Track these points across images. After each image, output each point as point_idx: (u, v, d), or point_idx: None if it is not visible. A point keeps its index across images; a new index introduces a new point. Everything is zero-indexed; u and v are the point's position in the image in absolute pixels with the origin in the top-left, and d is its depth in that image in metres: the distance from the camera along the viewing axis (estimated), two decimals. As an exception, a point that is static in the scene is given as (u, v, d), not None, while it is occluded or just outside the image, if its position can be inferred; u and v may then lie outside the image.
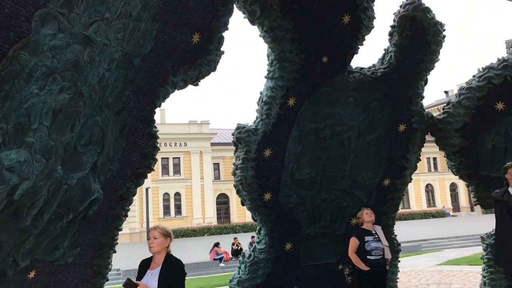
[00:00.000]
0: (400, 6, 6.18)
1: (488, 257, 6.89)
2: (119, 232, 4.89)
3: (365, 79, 6.16)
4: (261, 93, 5.89)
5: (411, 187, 43.14)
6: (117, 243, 4.88)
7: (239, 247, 21.91)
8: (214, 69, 4.91)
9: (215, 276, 17.15)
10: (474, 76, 6.55)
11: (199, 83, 4.94)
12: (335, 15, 5.64)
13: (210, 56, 4.81)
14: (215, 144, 48.42)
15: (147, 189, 40.56)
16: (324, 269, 6.63)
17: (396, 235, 7.18)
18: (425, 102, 6.92)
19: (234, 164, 5.92)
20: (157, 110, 4.88)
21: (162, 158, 42.64)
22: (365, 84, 6.17)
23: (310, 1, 5.48)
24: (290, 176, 6.10)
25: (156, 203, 44.19)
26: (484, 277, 6.94)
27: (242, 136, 5.72)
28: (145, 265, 3.82)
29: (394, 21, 6.19)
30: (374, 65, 6.39)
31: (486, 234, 7.03)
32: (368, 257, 5.62)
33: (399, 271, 7.30)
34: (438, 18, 6.23)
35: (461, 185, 55.19)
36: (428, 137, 6.96)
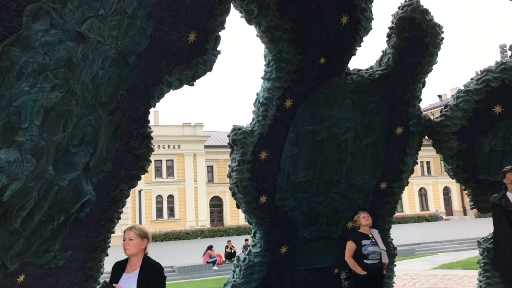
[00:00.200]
0: (399, 8, 6.12)
1: (484, 262, 6.83)
2: (112, 235, 4.78)
3: (362, 81, 6.09)
4: (257, 94, 5.81)
5: (404, 190, 43.17)
6: (109, 246, 4.77)
7: (232, 250, 21.79)
8: (210, 69, 4.82)
9: (209, 279, 17.01)
10: (472, 79, 6.51)
11: (194, 83, 4.85)
12: (333, 16, 5.57)
13: (206, 56, 4.72)
14: (209, 146, 48.32)
15: (140, 191, 40.45)
16: (320, 273, 6.55)
17: (392, 239, 7.11)
18: (419, 106, 6.85)
19: (229, 166, 5.83)
20: (151, 111, 4.78)
21: (155, 160, 42.42)
22: (362, 86, 6.10)
23: (308, 1, 5.41)
24: (286, 179, 6.02)
25: (149, 206, 43.98)
26: (480, 281, 6.89)
27: (238, 137, 5.63)
28: (119, 268, 3.61)
29: (392, 22, 6.13)
30: (371, 67, 6.33)
31: (483, 238, 6.97)
32: (365, 261, 5.55)
33: (394, 275, 7.24)
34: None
35: (454, 189, 55.48)
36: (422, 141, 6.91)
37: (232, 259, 21.32)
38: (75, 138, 3.71)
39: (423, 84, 6.45)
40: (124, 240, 3.55)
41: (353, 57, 5.95)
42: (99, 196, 4.29)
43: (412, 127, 6.52)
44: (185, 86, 4.86)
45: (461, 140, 6.54)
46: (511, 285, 6.06)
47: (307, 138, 6.01)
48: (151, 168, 40.79)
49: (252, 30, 5.60)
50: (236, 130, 5.68)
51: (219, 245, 23.09)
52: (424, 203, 55.02)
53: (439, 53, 6.26)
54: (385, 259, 5.75)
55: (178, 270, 19.21)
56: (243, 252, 20.32)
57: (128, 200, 4.86)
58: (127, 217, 40.31)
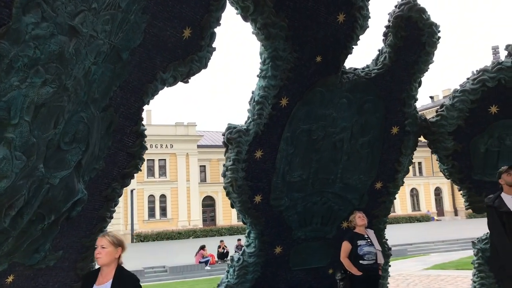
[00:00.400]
0: (395, 6, 6.07)
1: (479, 262, 6.81)
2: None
3: (358, 80, 6.04)
4: (253, 92, 5.73)
5: (397, 191, 43.22)
6: (101, 246, 4.66)
7: (225, 250, 21.72)
8: (205, 66, 4.74)
9: (201, 279, 16.92)
10: (468, 78, 6.48)
11: (189, 80, 4.77)
12: (329, 14, 5.51)
13: (201, 53, 4.65)
14: (202, 146, 48.21)
15: (132, 191, 40.31)
16: (315, 273, 6.49)
17: (387, 239, 7.07)
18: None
19: (224, 165, 5.75)
20: (144, 110, 4.69)
21: (147, 159, 42.24)
22: (358, 85, 6.05)
23: (304, -2, 5.34)
24: (281, 178, 5.94)
25: (141, 205, 43.81)
26: (474, 282, 6.87)
27: (233, 136, 5.55)
28: (90, 279, 3.36)
29: (389, 21, 6.08)
30: (368, 66, 6.27)
31: (477, 239, 6.96)
32: (360, 261, 5.49)
33: (389, 276, 7.20)
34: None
35: (446, 190, 55.84)
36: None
37: (225, 259, 21.26)
38: (66, 135, 3.60)
39: (419, 84, 6.41)
40: (95, 248, 3.33)
41: (349, 56, 5.90)
42: (91, 194, 4.18)
43: (407, 126, 6.48)
44: (179, 84, 4.79)
45: (457, 140, 6.51)
46: (505, 286, 6.03)
47: (302, 137, 5.94)
48: (144, 167, 40.58)
49: (248, 27, 5.53)
50: (231, 128, 5.60)
51: (212, 245, 23.01)
52: (415, 204, 55.30)
53: (435, 52, 6.22)
54: (381, 260, 5.70)
55: (170, 270, 19.11)
56: (235, 252, 20.35)
57: (120, 199, 4.77)
58: (119, 217, 40.17)
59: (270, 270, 6.16)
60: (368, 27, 5.79)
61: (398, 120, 6.42)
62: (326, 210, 6.36)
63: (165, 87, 4.61)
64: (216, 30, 4.71)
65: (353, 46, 5.82)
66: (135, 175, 4.75)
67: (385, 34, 6.18)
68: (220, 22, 4.72)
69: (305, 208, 6.21)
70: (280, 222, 6.10)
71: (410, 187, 54.00)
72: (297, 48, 5.50)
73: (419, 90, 6.46)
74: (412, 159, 6.90)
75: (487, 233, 6.74)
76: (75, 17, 3.18)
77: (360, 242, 5.57)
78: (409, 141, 6.56)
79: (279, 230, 6.13)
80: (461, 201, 54.14)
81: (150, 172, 44.93)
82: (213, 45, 4.74)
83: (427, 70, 6.32)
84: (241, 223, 43.79)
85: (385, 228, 7.02)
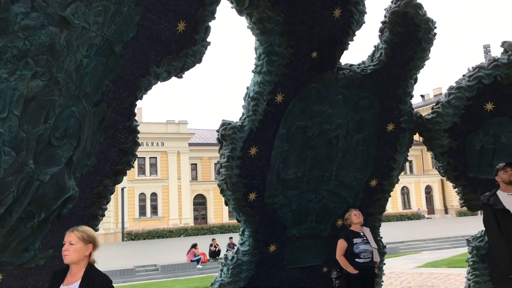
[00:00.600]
0: (392, 2, 6.00)
1: (473, 260, 6.79)
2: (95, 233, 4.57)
3: (354, 76, 5.96)
4: (247, 88, 5.64)
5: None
6: (92, 245, 4.55)
7: (217, 249, 21.64)
8: (199, 61, 4.64)
9: (193, 278, 16.82)
10: (464, 75, 6.43)
11: (183, 75, 4.67)
12: (325, 9, 5.43)
13: (196, 47, 4.54)
14: (193, 144, 48.07)
15: (122, 189, 40.07)
16: (309, 272, 6.42)
17: (382, 237, 7.03)
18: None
19: (218, 162, 5.65)
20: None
21: (138, 157, 41.98)
22: (354, 81, 5.97)
23: (300, -8, 5.25)
24: (276, 176, 5.86)
25: (131, 203, 43.60)
26: (469, 280, 6.85)
27: (227, 133, 5.45)
28: (58, 278, 3.06)
29: (385, 17, 6.01)
30: (363, 62, 6.20)
31: (472, 236, 6.93)
32: (356, 260, 5.43)
33: (383, 274, 7.16)
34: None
35: (436, 188, 56.25)
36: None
37: (217, 257, 21.19)
38: (57, 130, 3.49)
39: (415, 80, 6.36)
40: (63, 244, 3.03)
41: (345, 52, 5.83)
42: (82, 192, 4.07)
43: (403, 124, 6.42)
44: (170, 81, 4.69)
45: (452, 137, 6.46)
46: (500, 285, 6.01)
47: (297, 134, 5.86)
48: (134, 165, 40.32)
49: (242, 21, 5.43)
50: (225, 125, 5.50)
51: (203, 243, 22.93)
52: (406, 202, 55.67)
53: (431, 48, 6.18)
54: (377, 258, 5.66)
55: (162, 268, 19.00)
56: (227, 250, 20.25)
57: (111, 197, 4.65)
58: (110, 215, 39.92)
59: (264, 269, 6.09)
60: (364, 22, 5.72)
61: (394, 117, 6.37)
62: (321, 207, 6.30)
63: (159, 82, 4.51)
64: (210, 24, 4.61)
65: (349, 42, 5.73)
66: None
67: (381, 30, 6.11)
68: (215, 16, 4.62)
69: (300, 206, 6.14)
70: (274, 220, 6.03)
71: (401, 185, 54.31)
72: (293, 43, 5.42)
73: (411, 88, 6.40)
74: (407, 156, 6.86)
75: (482, 231, 6.73)
76: (66, 7, 3.08)
77: (356, 240, 5.51)
78: (405, 138, 6.51)
79: (273, 228, 6.05)
80: (451, 199, 54.69)
81: (141, 170, 44.73)
82: (208, 40, 4.64)
83: (423, 67, 6.26)
84: (232, 221, 43.82)
85: (380, 226, 6.97)
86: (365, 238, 5.59)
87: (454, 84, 6.47)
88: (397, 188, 53.12)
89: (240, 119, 5.64)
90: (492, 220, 4.93)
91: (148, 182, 44.75)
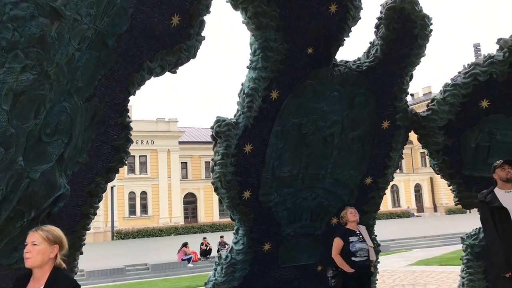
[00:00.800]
0: (388, -2, 5.95)
1: (467, 258, 6.76)
2: (87, 232, 4.45)
3: (350, 72, 5.89)
4: (242, 84, 5.54)
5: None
6: (84, 244, 4.43)
7: (208, 247, 21.52)
8: (194, 56, 4.54)
9: (184, 277, 16.70)
10: (459, 72, 6.39)
11: (177, 70, 4.56)
12: (321, 4, 5.35)
13: (190, 41, 4.43)
14: (183, 142, 47.82)
15: (112, 188, 39.72)
16: (303, 270, 6.36)
17: (376, 235, 6.98)
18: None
19: (212, 160, 5.55)
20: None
21: (128, 156, 41.71)
22: (349, 78, 5.91)
23: (296, -13, 5.17)
24: (271, 173, 5.78)
25: (121, 202, 43.28)
26: (462, 278, 6.82)
27: (222, 129, 5.35)
28: (21, 283, 2.79)
29: (381, 12, 5.95)
30: (359, 59, 6.14)
31: (466, 234, 6.90)
32: (352, 258, 5.37)
33: (378, 272, 7.12)
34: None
35: (425, 186, 56.60)
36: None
37: (208, 256, 21.08)
38: (48, 126, 3.36)
39: (411, 77, 6.31)
40: (26, 246, 2.73)
41: (340, 48, 5.76)
42: (73, 190, 3.95)
43: (398, 121, 6.37)
44: (161, 78, 4.58)
45: (447, 135, 6.42)
46: (496, 283, 5.99)
47: (292, 132, 5.78)
48: (124, 164, 40.03)
49: (238, 16, 5.33)
50: (220, 121, 5.40)
51: (193, 242, 22.79)
52: (396, 200, 55.94)
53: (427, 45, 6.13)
54: (373, 256, 5.60)
55: (152, 267, 18.86)
56: (218, 249, 20.06)
57: (102, 196, 4.52)
58: (99, 214, 39.47)
59: (259, 268, 6.01)
60: (360, 18, 5.66)
61: (389, 114, 6.31)
62: (316, 206, 6.23)
63: (152, 77, 4.40)
64: (205, 18, 4.51)
65: (344, 38, 5.67)
66: (117, 170, 4.53)
67: (377, 26, 6.05)
68: (210, 10, 4.51)
69: (295, 204, 6.07)
70: (269, 218, 5.95)
71: (391, 184, 54.09)
72: (288, 39, 5.34)
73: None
74: (402, 153, 6.81)
75: (476, 228, 6.71)
76: (57, -2, 2.95)
77: (352, 239, 5.45)
78: (400, 135, 6.47)
79: (268, 226, 5.97)
80: (440, 198, 55.09)
81: (131, 168, 44.39)
82: (202, 34, 4.53)
83: (418, 64, 6.22)
84: (223, 220, 43.68)
85: (375, 224, 6.93)
86: (361, 237, 5.53)
87: (450, 81, 6.43)
88: (387, 186, 53.42)
89: (235, 115, 5.55)
90: (489, 218, 4.88)
91: (138, 181, 44.46)
